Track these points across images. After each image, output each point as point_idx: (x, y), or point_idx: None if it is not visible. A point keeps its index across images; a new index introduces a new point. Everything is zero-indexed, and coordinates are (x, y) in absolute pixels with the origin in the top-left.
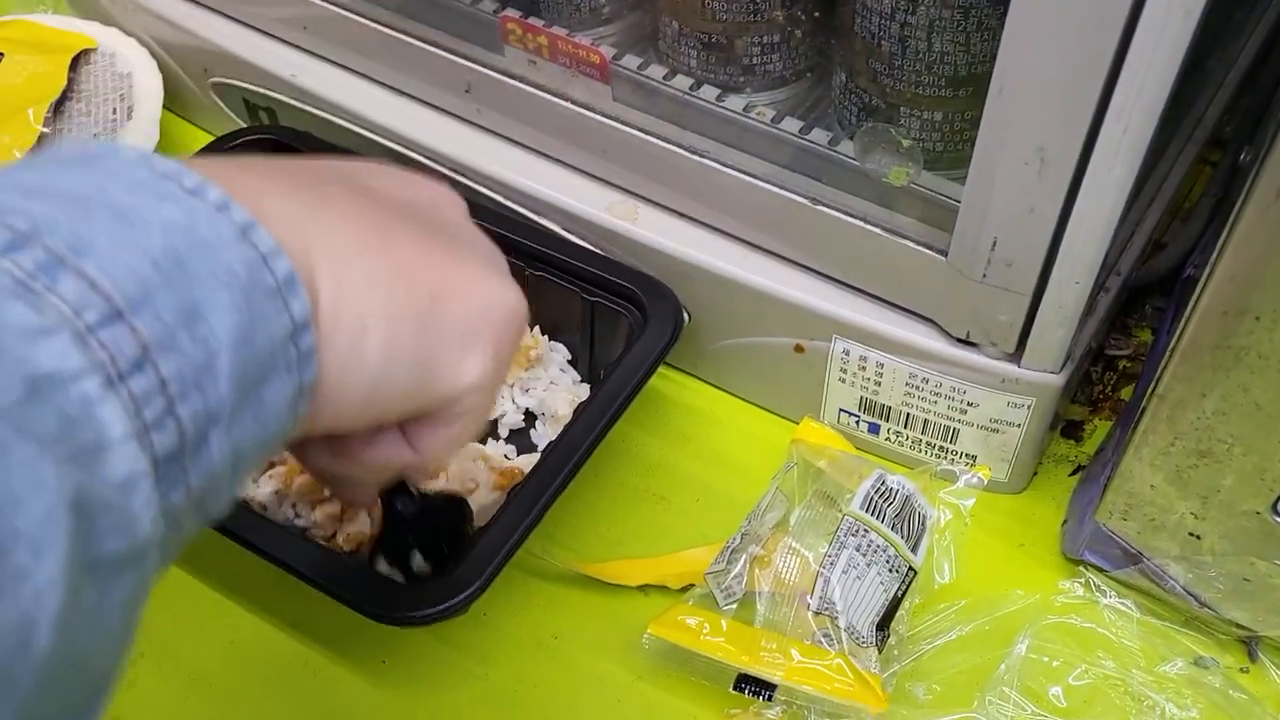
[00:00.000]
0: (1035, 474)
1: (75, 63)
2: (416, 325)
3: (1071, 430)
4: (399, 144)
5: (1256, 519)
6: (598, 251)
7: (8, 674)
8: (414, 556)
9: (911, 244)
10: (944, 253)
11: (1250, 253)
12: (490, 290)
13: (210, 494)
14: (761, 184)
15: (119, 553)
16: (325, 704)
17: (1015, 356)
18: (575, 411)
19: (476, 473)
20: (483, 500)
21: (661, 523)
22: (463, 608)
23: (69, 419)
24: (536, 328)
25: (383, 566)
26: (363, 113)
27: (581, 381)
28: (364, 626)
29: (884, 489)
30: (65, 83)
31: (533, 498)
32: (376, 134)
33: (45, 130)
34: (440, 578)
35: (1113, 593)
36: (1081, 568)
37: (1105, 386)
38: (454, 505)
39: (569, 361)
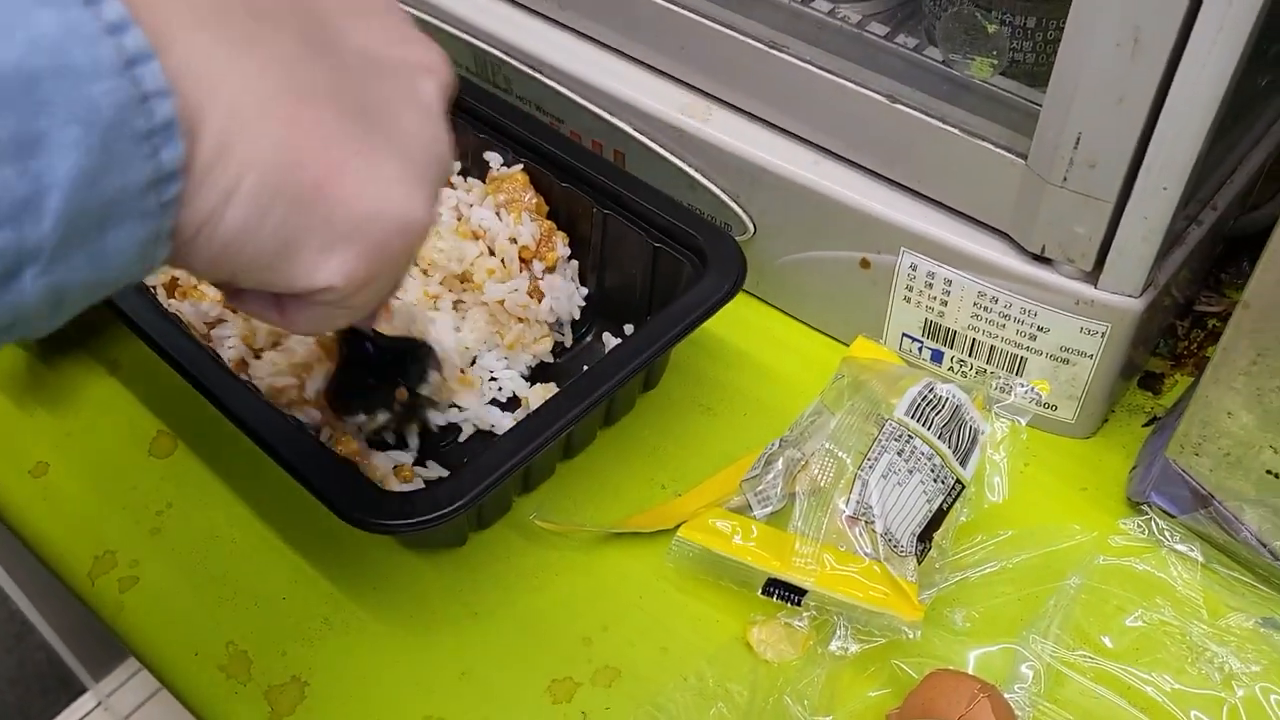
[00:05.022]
0: (1106, 421)
1: None
2: (287, 207)
3: (1150, 382)
4: (480, 39)
5: None
6: (670, 200)
7: None
8: (374, 400)
9: (990, 145)
10: (1024, 156)
11: None
12: (386, 197)
13: (20, 323)
14: (838, 79)
15: None
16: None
17: (1093, 276)
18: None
19: None
20: None
21: (708, 435)
22: (446, 520)
23: None
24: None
25: (346, 415)
26: (442, 4)
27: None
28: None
29: (932, 397)
30: None
31: (547, 421)
32: (457, 29)
33: None
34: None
35: (1178, 537)
36: (1146, 510)
37: (1191, 343)
38: (416, 349)
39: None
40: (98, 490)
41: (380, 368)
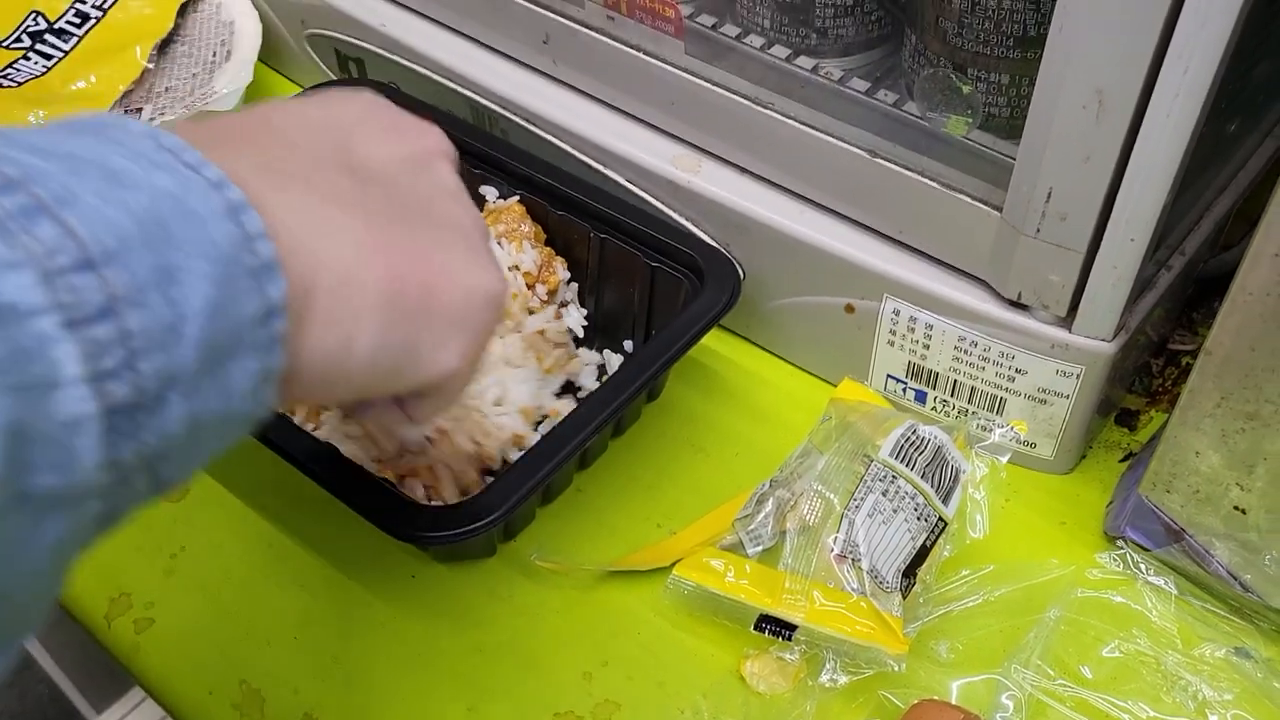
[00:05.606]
0: (1084, 457)
1: (183, 9)
2: (406, 322)
3: (1126, 419)
4: (476, 94)
5: None
6: (663, 218)
7: None
8: None
9: (967, 199)
10: (999, 208)
11: None
12: (472, 278)
13: (165, 457)
14: (821, 135)
15: (54, 489)
16: (349, 623)
17: (1067, 321)
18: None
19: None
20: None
21: (700, 474)
22: (483, 531)
23: (22, 350)
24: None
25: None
26: (442, 60)
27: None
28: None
29: (915, 438)
30: (172, 25)
31: (568, 434)
32: (456, 83)
33: (149, 66)
34: (463, 503)
35: (1152, 571)
36: (1122, 544)
37: (1165, 380)
38: None
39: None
40: (112, 534)
41: None
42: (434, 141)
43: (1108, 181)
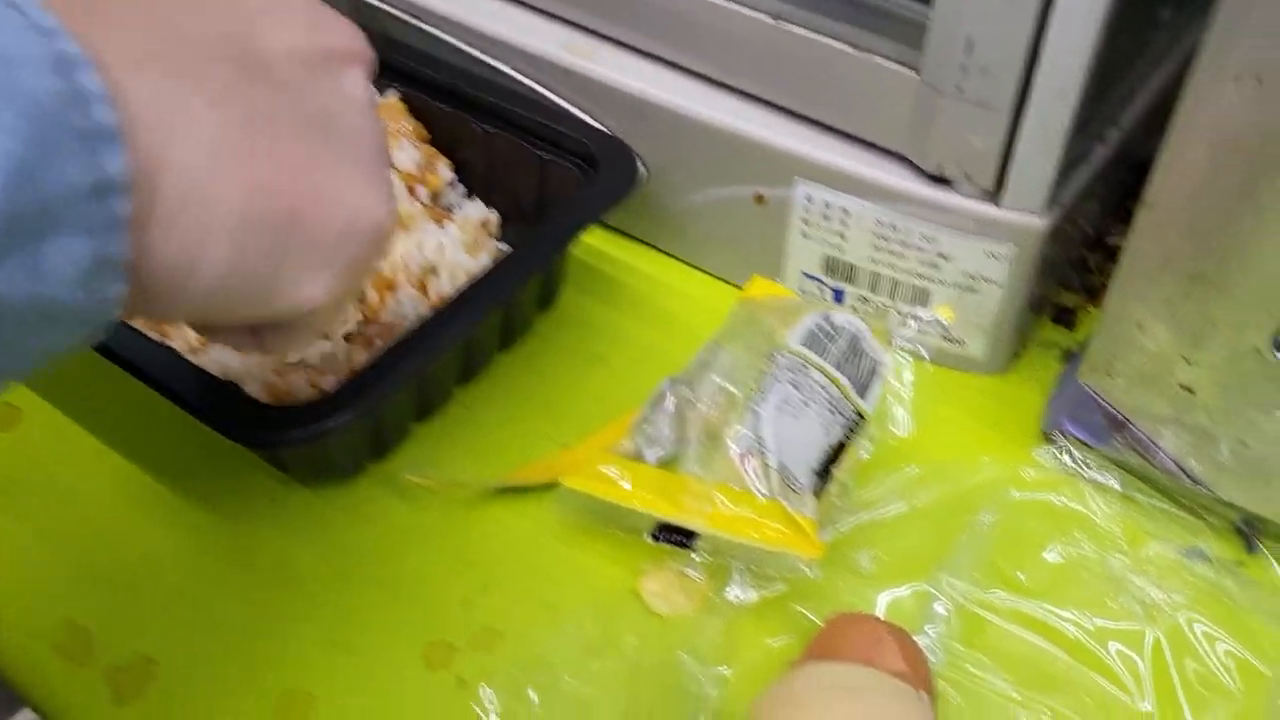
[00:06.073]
0: (1019, 357)
1: None
2: (265, 248)
3: (1064, 317)
4: None
5: (1255, 359)
6: (553, 106)
7: None
8: None
9: (881, 60)
10: (916, 69)
11: None
12: (357, 209)
13: None
14: (720, 2)
15: None
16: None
17: (993, 195)
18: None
19: None
20: None
21: (600, 385)
22: (333, 431)
23: None
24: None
25: None
26: None
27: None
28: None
29: (828, 326)
30: None
31: (435, 330)
32: None
33: None
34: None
35: (1095, 467)
36: (1061, 440)
37: (1104, 276)
38: None
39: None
40: None
41: None
42: (351, 42)
43: (1032, 23)
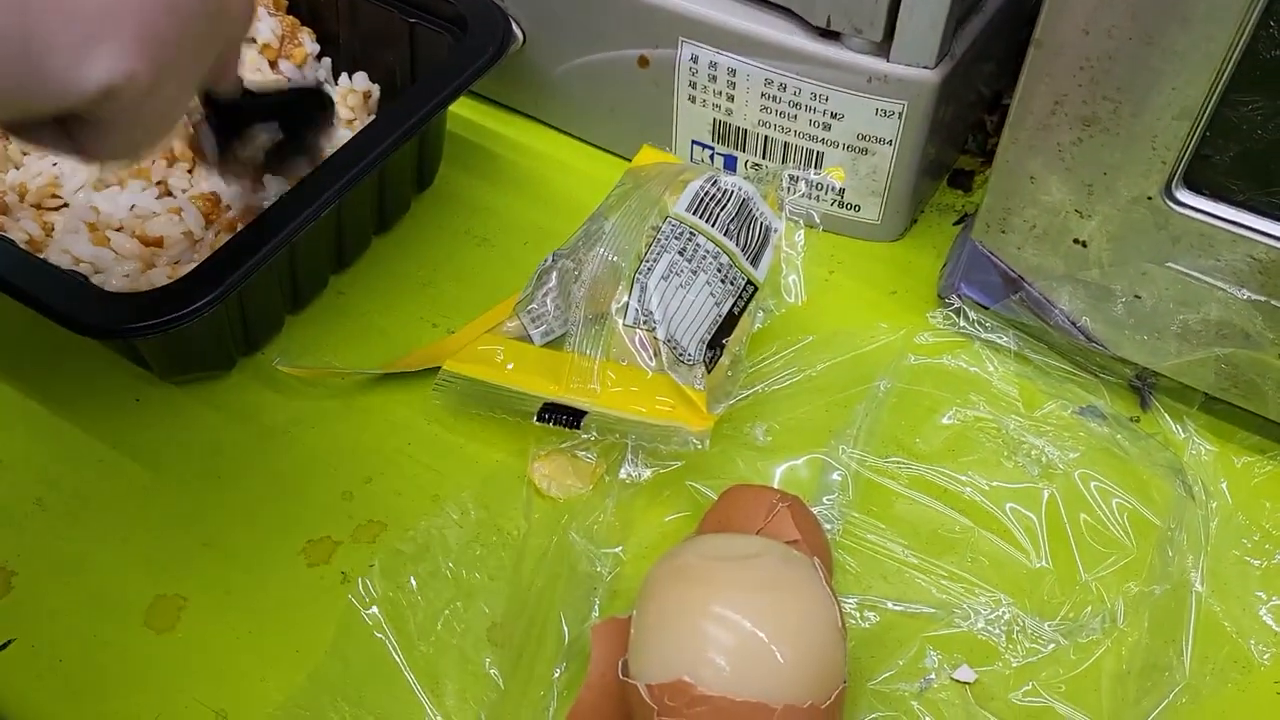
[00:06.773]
0: (915, 222)
1: None
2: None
3: (960, 180)
4: None
5: (1148, 208)
6: None
7: None
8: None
9: None
10: None
11: None
12: None
13: None
14: None
15: None
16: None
17: (883, 48)
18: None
19: None
20: None
21: (484, 267)
22: (188, 319)
23: None
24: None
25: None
26: None
27: None
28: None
29: (716, 190)
30: None
31: (297, 206)
32: None
33: None
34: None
35: (990, 328)
36: (956, 302)
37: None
38: (306, 96)
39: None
40: None
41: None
42: None
43: None
